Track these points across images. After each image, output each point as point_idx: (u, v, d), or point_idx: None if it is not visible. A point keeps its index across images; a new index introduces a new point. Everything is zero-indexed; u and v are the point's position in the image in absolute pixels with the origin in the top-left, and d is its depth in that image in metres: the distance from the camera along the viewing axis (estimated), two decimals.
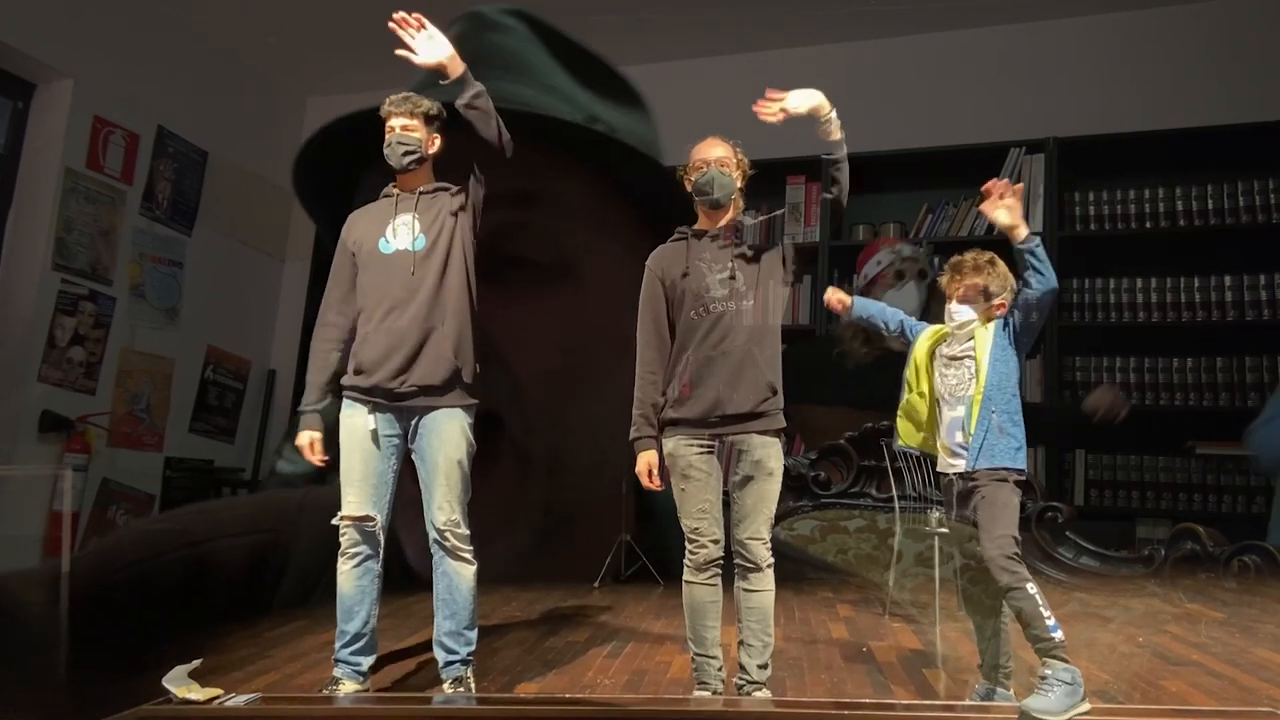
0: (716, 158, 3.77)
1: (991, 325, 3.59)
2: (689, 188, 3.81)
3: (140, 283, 8.23)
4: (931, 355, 3.71)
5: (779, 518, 5.93)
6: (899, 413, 3.75)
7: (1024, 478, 3.53)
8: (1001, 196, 3.53)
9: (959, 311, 3.65)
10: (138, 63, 8.08)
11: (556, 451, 5.92)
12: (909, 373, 3.74)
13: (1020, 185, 3.58)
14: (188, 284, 8.64)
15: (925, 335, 3.75)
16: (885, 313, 3.83)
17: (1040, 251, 3.48)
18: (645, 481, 3.73)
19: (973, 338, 3.60)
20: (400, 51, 3.77)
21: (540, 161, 5.00)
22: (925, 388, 3.69)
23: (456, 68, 3.76)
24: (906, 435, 3.73)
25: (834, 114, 3.59)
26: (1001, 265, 3.63)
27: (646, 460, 3.73)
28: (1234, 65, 7.48)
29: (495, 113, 3.78)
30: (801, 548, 6.49)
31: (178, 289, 8.56)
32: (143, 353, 8.25)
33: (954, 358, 3.64)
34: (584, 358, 5.92)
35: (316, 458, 3.91)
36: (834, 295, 3.82)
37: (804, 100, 3.57)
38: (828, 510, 6.57)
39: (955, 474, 3.55)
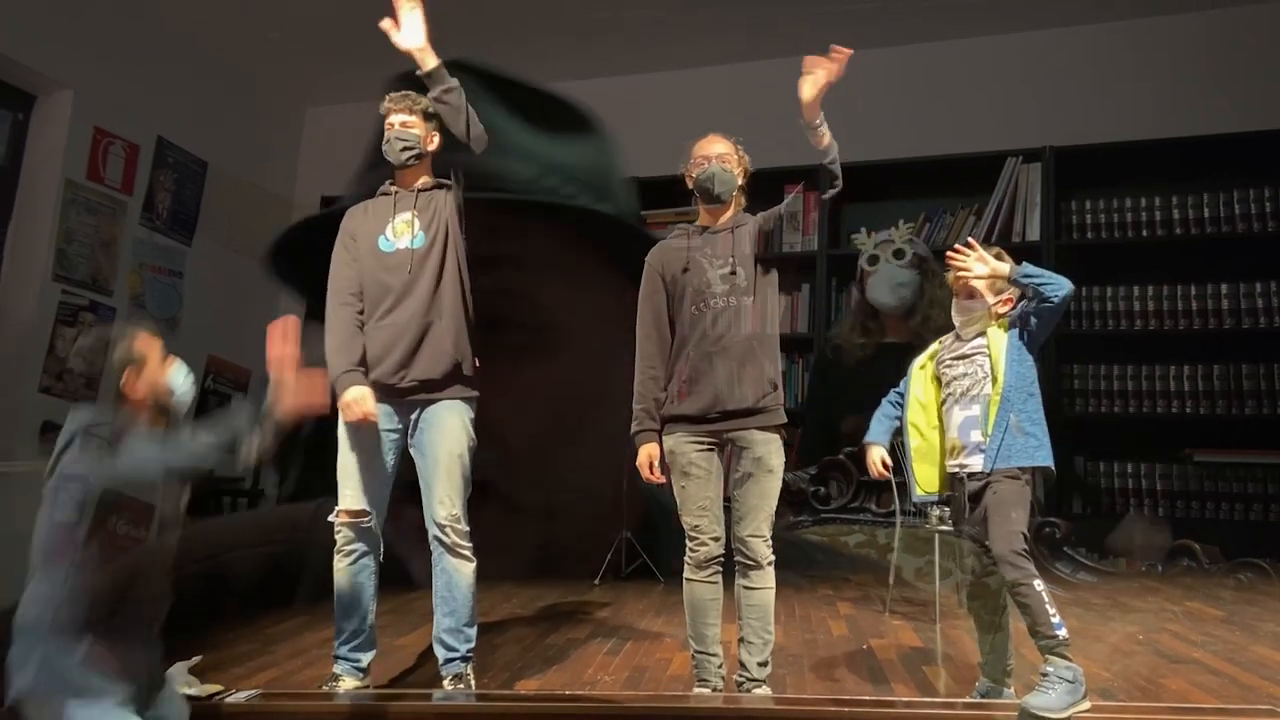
0: (718, 154, 3.80)
1: (1006, 327, 3.58)
2: (690, 184, 3.84)
3: (140, 293, 8.24)
4: (935, 378, 3.71)
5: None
6: (913, 460, 3.73)
7: (1033, 477, 3.54)
8: (961, 259, 3.57)
9: (967, 305, 3.65)
10: (137, 73, 8.09)
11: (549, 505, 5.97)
12: (912, 415, 3.73)
13: (971, 241, 3.61)
14: (188, 294, 8.64)
15: (915, 372, 3.77)
16: (885, 414, 3.82)
17: (1031, 269, 3.49)
18: (646, 474, 3.73)
19: (983, 334, 3.60)
20: (385, 23, 3.79)
21: (509, 226, 5.03)
22: (938, 422, 3.69)
23: (429, 61, 3.79)
24: (926, 482, 3.69)
25: (824, 123, 3.60)
26: (1007, 259, 3.64)
27: (647, 453, 3.74)
28: (1231, 75, 7.52)
29: (466, 108, 3.82)
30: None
31: (178, 299, 8.57)
32: None
33: (962, 356, 3.64)
34: (572, 409, 5.96)
35: (371, 410, 3.81)
36: (876, 470, 3.79)
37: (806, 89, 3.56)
38: (828, 525, 6.58)
39: (967, 473, 3.54)
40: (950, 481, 3.64)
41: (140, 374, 2.94)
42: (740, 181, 3.83)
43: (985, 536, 3.46)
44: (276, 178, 9.72)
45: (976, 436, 3.52)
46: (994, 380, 3.53)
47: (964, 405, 3.59)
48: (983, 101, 7.99)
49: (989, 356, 3.58)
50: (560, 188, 5.93)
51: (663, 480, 3.74)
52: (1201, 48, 7.66)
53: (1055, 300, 3.45)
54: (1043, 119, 7.76)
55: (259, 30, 8.43)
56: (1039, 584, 3.31)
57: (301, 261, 5.69)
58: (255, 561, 5.58)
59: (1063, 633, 3.30)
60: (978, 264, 3.55)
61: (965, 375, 3.62)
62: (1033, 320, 3.54)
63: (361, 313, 3.93)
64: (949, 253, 3.63)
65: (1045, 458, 3.50)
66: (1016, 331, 3.57)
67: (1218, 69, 7.57)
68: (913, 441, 3.71)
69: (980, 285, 3.62)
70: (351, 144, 9.16)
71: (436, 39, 3.79)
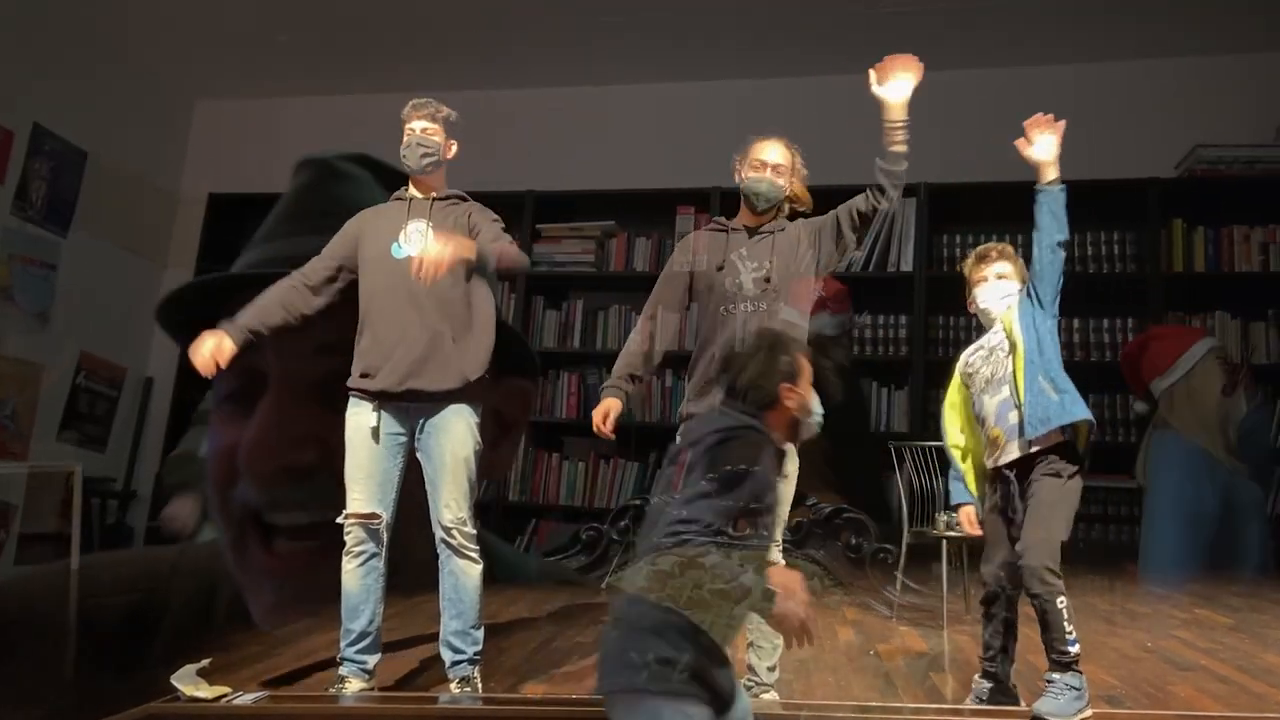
0: (774, 164, 4.32)
1: (1016, 299, 4.09)
2: (737, 180, 4.36)
3: (8, 284, 8.61)
4: (963, 391, 4.22)
5: (640, 554, 6.63)
6: (965, 476, 4.20)
7: (1081, 461, 3.96)
8: (1041, 130, 4.07)
9: (983, 297, 4.17)
10: (13, 56, 8.44)
11: None
12: (953, 440, 4.23)
13: (1062, 123, 4.09)
14: (61, 287, 9.01)
15: (948, 411, 4.27)
16: (956, 472, 4.27)
17: (1062, 198, 4.00)
18: (597, 422, 4.24)
19: (998, 319, 4.11)
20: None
21: None
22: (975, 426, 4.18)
23: (470, 251, 4.21)
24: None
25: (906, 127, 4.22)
26: (1020, 259, 4.20)
27: (605, 406, 4.27)
28: (1087, 126, 8.35)
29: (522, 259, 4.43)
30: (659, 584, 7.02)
31: (49, 292, 8.92)
32: (8, 358, 8.62)
33: (984, 349, 4.15)
34: None
35: (202, 356, 4.20)
36: (971, 529, 4.24)
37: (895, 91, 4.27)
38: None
39: (1006, 465, 3.96)
40: (991, 477, 4.06)
41: (795, 390, 3.10)
42: (788, 192, 4.35)
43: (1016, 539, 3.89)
44: (162, 170, 10.17)
45: (1014, 418, 3.94)
46: (1014, 353, 3.98)
47: (992, 392, 4.04)
48: (862, 137, 8.64)
49: (1005, 329, 4.05)
50: None
51: (613, 435, 4.25)
52: (1064, 100, 8.42)
53: (1040, 240, 4.02)
54: (919, 158, 8.40)
55: (147, 18, 8.85)
56: (1063, 600, 3.72)
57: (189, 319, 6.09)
58: (112, 612, 6.02)
59: (1075, 649, 3.73)
60: (1038, 147, 4.06)
61: (986, 364, 4.09)
62: (1039, 276, 4.04)
63: (310, 294, 4.42)
64: (1029, 121, 4.16)
65: (1082, 411, 3.91)
66: (1027, 297, 4.05)
67: (1077, 120, 8.37)
68: (963, 463, 4.20)
69: (1010, 269, 4.16)
70: (242, 138, 9.80)
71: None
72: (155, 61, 9.59)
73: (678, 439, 3.25)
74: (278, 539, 5.58)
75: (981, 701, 4.09)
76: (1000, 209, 8.33)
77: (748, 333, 4.08)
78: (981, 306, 4.23)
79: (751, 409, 3.06)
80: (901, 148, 4.22)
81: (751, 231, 4.32)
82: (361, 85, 9.69)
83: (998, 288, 4.18)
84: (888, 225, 8.68)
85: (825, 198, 4.47)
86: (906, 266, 8.80)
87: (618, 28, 8.84)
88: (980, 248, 4.29)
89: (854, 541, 7.06)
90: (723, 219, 4.43)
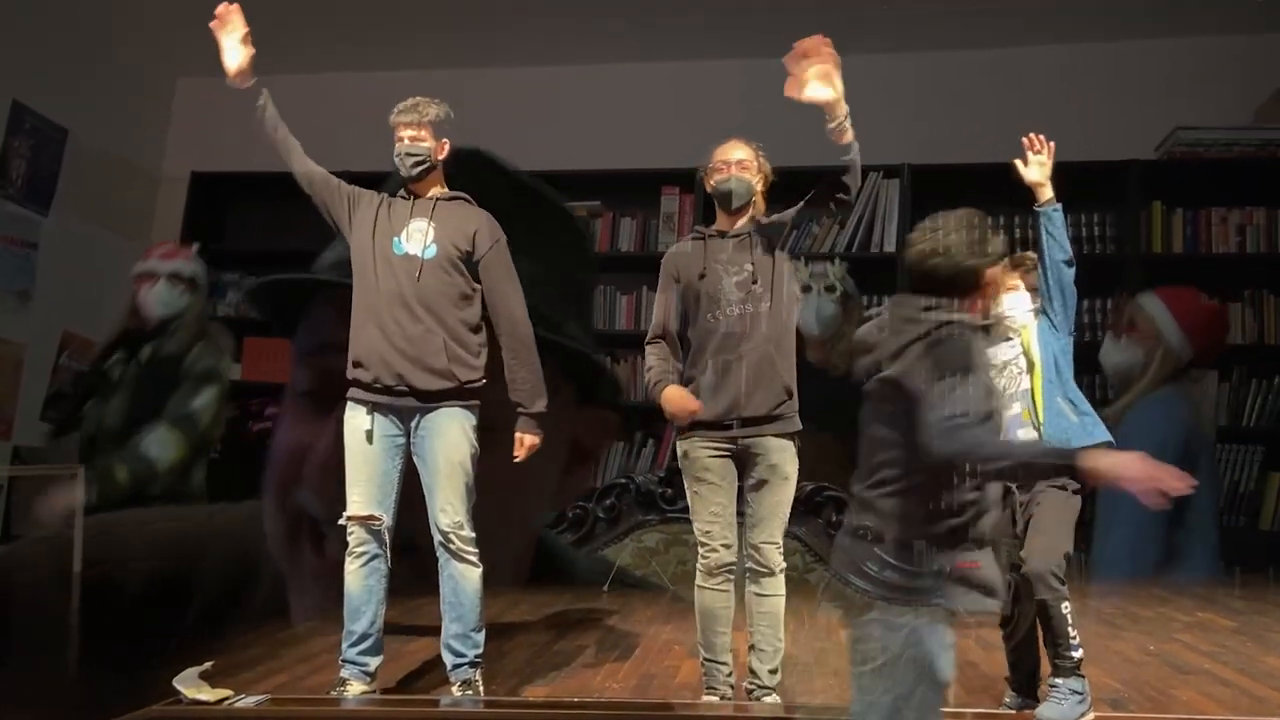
0: (737, 160, 4.40)
1: (1036, 315, 4.18)
2: (708, 188, 4.46)
3: None
4: None
5: (625, 532, 6.92)
6: None
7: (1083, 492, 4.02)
8: (1036, 152, 4.17)
9: (1011, 304, 4.21)
10: None
11: None
12: None
13: (1053, 144, 4.18)
14: (42, 266, 9.01)
15: None
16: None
17: (1057, 218, 4.10)
18: (689, 407, 4.23)
19: (1017, 333, 4.18)
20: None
21: None
22: None
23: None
24: None
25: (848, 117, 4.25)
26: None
27: (672, 395, 4.28)
28: (1072, 108, 8.67)
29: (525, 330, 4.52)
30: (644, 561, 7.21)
31: (30, 271, 8.93)
32: None
33: (1000, 368, 4.15)
34: None
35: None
36: None
37: (823, 93, 4.20)
38: (673, 524, 7.26)
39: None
40: None
41: (995, 274, 3.15)
42: (759, 188, 4.44)
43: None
44: (144, 148, 10.16)
45: (1025, 436, 4.01)
46: (1031, 372, 4.07)
47: (1006, 407, 4.04)
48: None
49: (1022, 346, 4.13)
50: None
51: (700, 407, 4.23)
52: (1046, 82, 8.94)
53: (1045, 260, 4.11)
54: (902, 138, 8.70)
55: None
56: (1066, 606, 3.84)
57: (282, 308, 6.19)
58: (140, 576, 5.89)
59: (1078, 654, 3.85)
60: (1035, 168, 4.19)
61: (1000, 376, 4.11)
62: (1048, 298, 4.14)
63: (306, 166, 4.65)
64: (1026, 138, 4.25)
65: (1103, 433, 4.01)
66: (1045, 316, 4.15)
67: (1059, 102, 8.72)
68: None
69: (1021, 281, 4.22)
70: (224, 116, 9.73)
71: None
72: (137, 38, 9.52)
73: (872, 347, 3.31)
74: (330, 544, 5.48)
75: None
76: (983, 190, 8.39)
77: (741, 335, 4.25)
78: (1008, 313, 4.25)
79: (951, 297, 3.07)
80: (847, 138, 4.29)
81: (728, 235, 4.40)
82: (343, 63, 9.73)
83: (1028, 299, 4.25)
84: (870, 206, 8.81)
85: (813, 180, 4.53)
86: (889, 247, 8.87)
87: (605, 6, 8.93)
88: (1020, 254, 4.35)
89: (834, 519, 7.14)
90: (701, 227, 4.51)
